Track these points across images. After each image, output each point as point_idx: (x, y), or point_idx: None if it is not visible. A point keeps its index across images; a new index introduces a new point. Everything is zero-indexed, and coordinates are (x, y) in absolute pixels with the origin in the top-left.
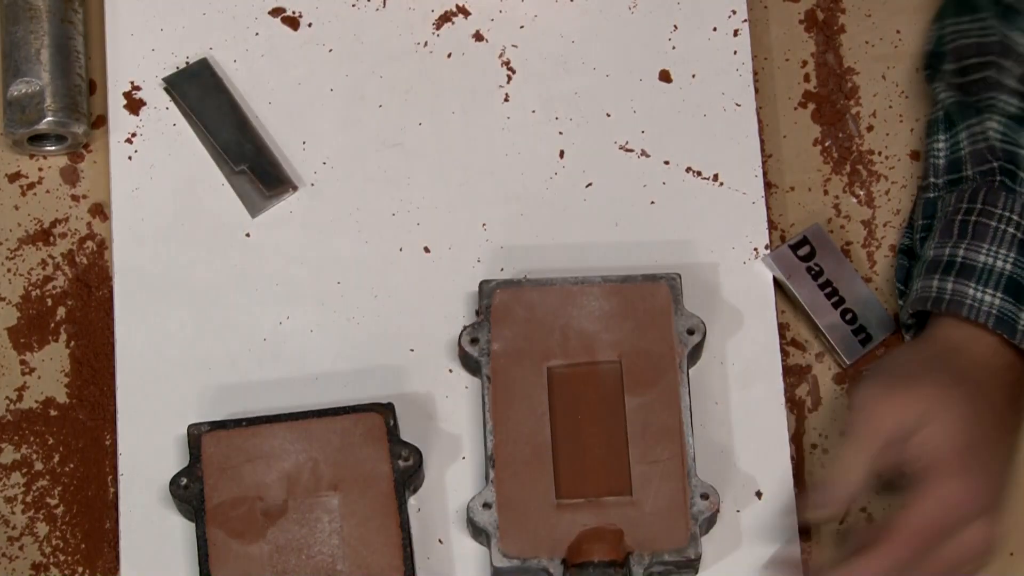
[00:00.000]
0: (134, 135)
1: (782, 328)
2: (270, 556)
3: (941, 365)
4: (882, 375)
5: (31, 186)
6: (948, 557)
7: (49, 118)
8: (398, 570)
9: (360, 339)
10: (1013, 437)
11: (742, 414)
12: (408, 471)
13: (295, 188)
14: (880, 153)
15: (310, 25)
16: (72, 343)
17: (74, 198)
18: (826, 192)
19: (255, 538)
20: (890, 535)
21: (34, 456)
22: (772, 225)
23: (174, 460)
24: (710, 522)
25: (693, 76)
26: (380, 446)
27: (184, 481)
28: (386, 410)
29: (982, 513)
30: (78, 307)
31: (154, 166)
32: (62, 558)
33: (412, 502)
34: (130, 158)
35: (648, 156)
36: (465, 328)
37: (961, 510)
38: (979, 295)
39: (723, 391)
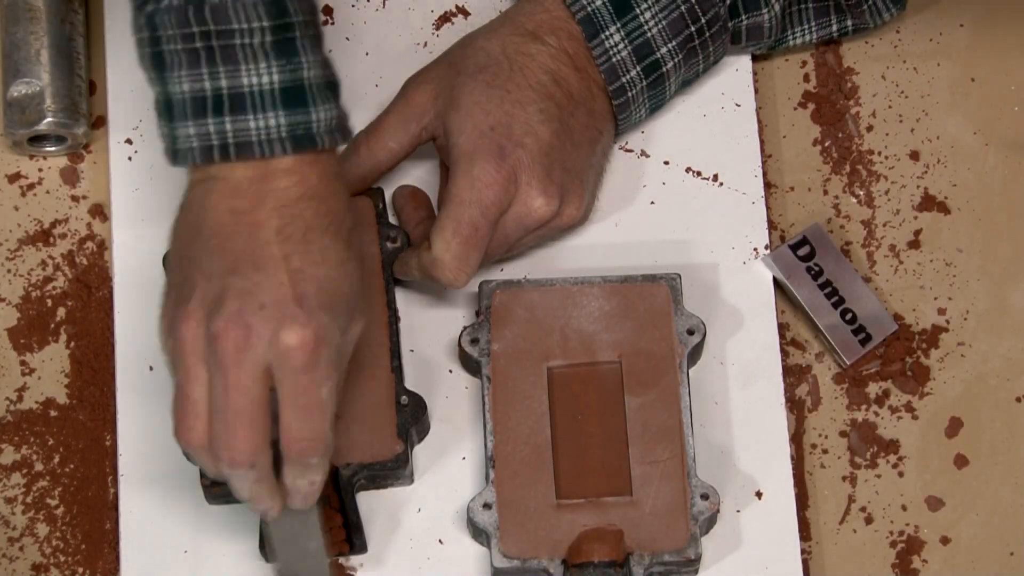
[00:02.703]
0: (134, 135)
1: (782, 328)
2: None
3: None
4: (435, 65)
5: (31, 187)
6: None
7: (49, 119)
8: (383, 346)
9: None
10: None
11: (742, 414)
12: (395, 252)
13: None
14: (880, 153)
15: None
16: (72, 343)
17: (74, 198)
18: (826, 192)
19: None
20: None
21: (34, 457)
22: (772, 225)
23: (174, 460)
24: (710, 522)
25: None
26: (369, 228)
27: None
28: (376, 194)
29: (526, 188)
30: (78, 307)
31: (154, 166)
32: (62, 559)
33: (412, 501)
34: (130, 158)
35: (648, 156)
36: (465, 328)
37: (495, 189)
38: None
39: (723, 391)
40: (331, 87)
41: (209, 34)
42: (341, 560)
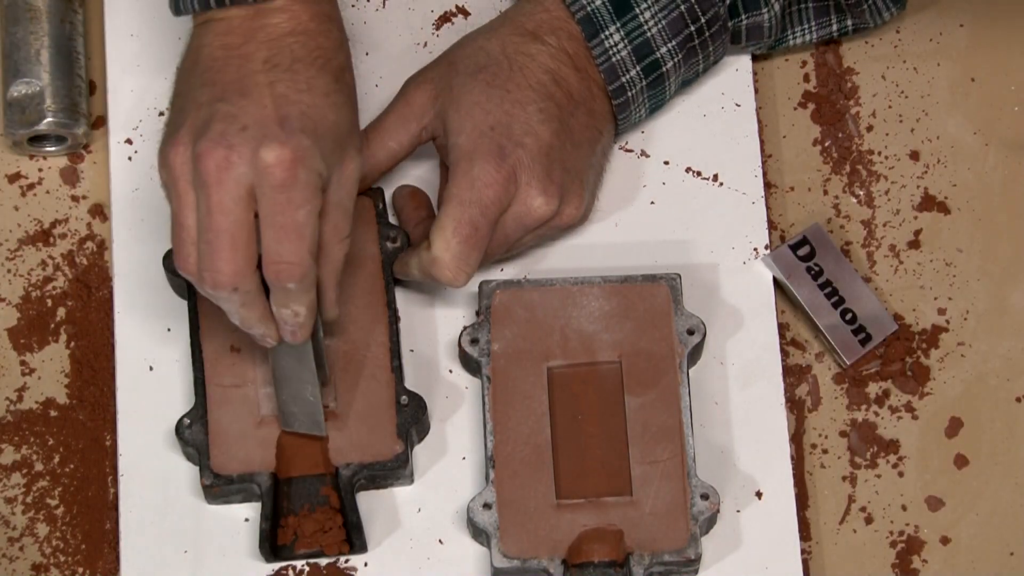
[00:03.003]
0: (134, 135)
1: (782, 328)
2: None
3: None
4: (435, 64)
5: (31, 187)
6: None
7: (49, 119)
8: (383, 345)
9: None
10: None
11: (742, 414)
12: (395, 252)
13: None
14: (880, 153)
15: None
16: (72, 343)
17: (74, 198)
18: (826, 192)
19: None
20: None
21: (34, 457)
22: (772, 225)
23: (174, 460)
24: (710, 522)
25: None
26: (369, 228)
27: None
28: (376, 194)
29: (526, 187)
30: (78, 307)
31: (154, 166)
32: (62, 559)
33: (412, 501)
34: (130, 158)
35: (648, 156)
36: (465, 328)
37: (495, 188)
38: None
39: (723, 391)
40: None
41: None
42: (341, 560)
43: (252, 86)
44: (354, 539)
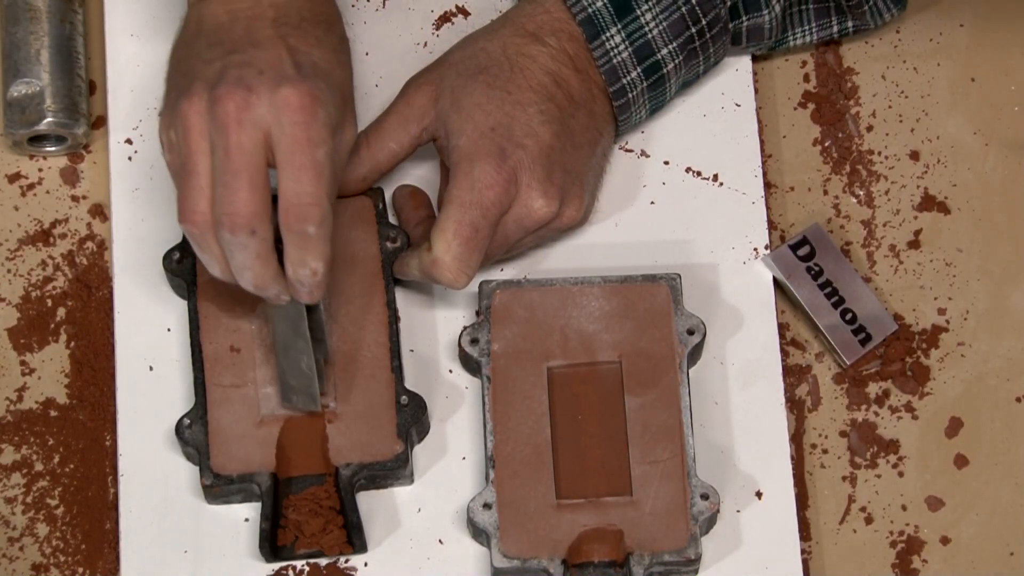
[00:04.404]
0: (134, 135)
1: (782, 328)
2: (259, 329)
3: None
4: (436, 65)
5: (31, 187)
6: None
7: (49, 119)
8: (383, 346)
9: None
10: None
11: (742, 414)
12: (395, 252)
13: None
14: (880, 153)
15: None
16: (72, 343)
17: (74, 199)
18: (826, 192)
19: (247, 311)
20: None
21: (34, 457)
22: (772, 225)
23: (174, 460)
24: (710, 522)
25: None
26: (369, 228)
27: (177, 255)
28: (376, 194)
29: (526, 189)
30: (78, 307)
31: (154, 166)
32: (62, 559)
33: (412, 501)
34: (130, 158)
35: (648, 156)
36: (465, 328)
37: (495, 190)
38: None
39: (723, 391)
40: None
41: None
42: (341, 560)
43: (264, 39)
44: (354, 539)
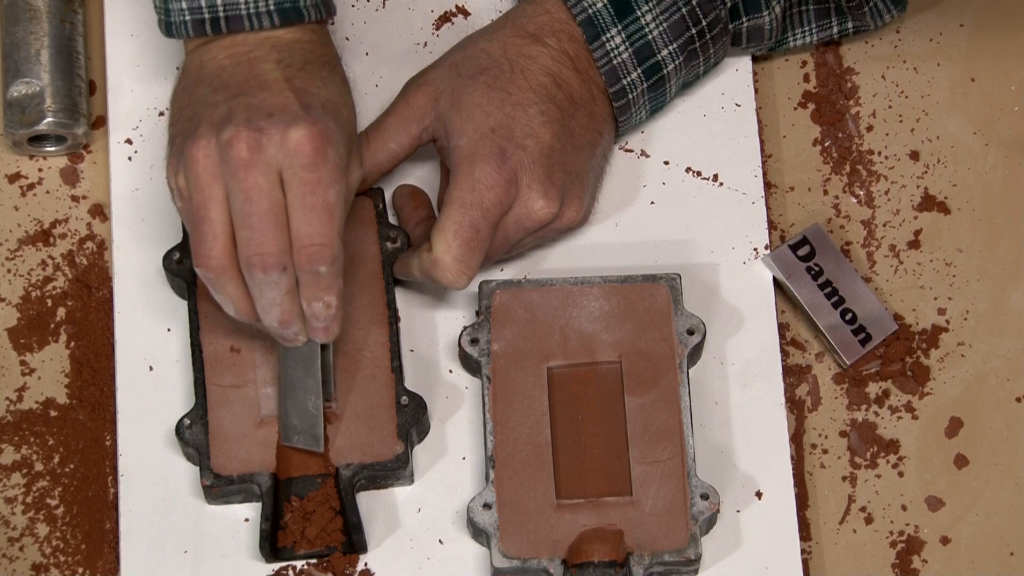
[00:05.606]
0: (134, 135)
1: (782, 328)
2: (259, 331)
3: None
4: (436, 66)
5: (31, 187)
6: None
7: (49, 119)
8: (383, 346)
9: None
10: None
11: (742, 414)
12: (395, 252)
13: None
14: (880, 153)
15: None
16: (72, 343)
17: (74, 198)
18: (826, 192)
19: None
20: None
21: (34, 457)
22: (772, 225)
23: (174, 460)
24: (710, 522)
25: None
26: (369, 229)
27: (177, 256)
28: (376, 194)
29: (527, 190)
30: (78, 307)
31: (154, 166)
32: (62, 559)
33: (412, 501)
34: (130, 158)
35: (648, 156)
36: (465, 328)
37: (496, 191)
38: None
39: (723, 391)
40: None
41: None
42: (341, 560)
43: (270, 81)
44: (354, 539)
